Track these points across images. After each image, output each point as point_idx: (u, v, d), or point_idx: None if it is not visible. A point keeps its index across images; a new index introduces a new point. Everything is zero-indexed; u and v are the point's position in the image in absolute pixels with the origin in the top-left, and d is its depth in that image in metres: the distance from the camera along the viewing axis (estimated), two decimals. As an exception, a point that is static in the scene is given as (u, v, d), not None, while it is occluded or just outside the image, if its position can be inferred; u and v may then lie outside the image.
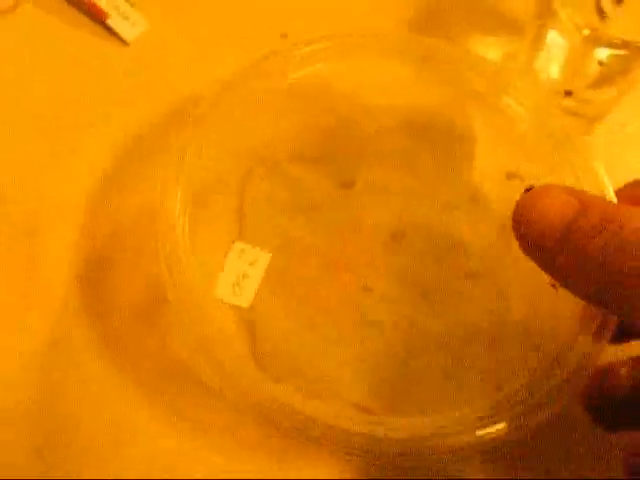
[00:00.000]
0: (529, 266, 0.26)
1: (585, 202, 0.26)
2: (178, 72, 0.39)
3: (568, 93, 0.41)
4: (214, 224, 0.34)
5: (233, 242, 0.33)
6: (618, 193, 0.31)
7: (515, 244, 0.27)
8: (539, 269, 0.26)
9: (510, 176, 0.35)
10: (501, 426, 0.27)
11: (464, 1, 0.43)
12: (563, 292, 0.26)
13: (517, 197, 0.27)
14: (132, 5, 0.40)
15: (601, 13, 0.40)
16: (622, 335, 0.29)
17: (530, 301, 0.33)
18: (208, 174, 0.31)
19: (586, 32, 0.39)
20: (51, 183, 0.36)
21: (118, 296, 0.34)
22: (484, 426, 0.27)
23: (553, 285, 0.28)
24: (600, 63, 0.40)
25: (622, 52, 0.38)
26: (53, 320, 0.33)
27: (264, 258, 0.33)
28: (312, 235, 0.35)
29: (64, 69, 0.39)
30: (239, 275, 0.32)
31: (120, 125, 0.38)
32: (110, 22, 0.40)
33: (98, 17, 0.40)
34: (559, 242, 0.26)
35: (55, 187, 0.36)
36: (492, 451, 0.27)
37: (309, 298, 0.34)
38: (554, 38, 0.39)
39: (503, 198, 0.29)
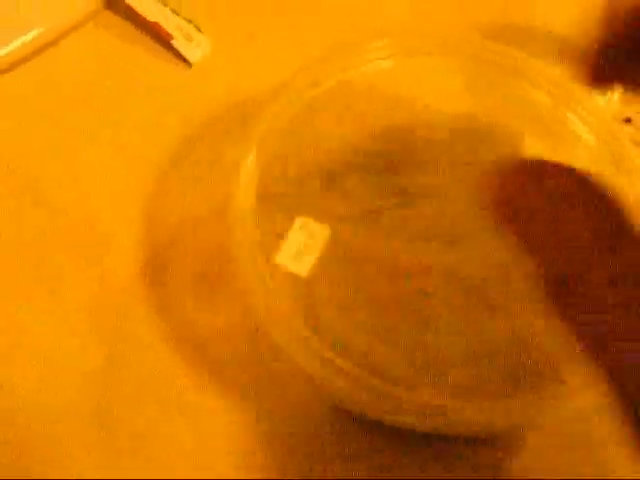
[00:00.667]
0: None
1: None
2: (242, 91, 0.40)
3: (627, 120, 0.41)
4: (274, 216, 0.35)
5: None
6: None
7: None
8: None
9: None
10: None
11: (523, 29, 0.43)
12: None
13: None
14: (198, 28, 0.41)
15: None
16: None
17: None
18: (264, 186, 0.32)
19: (648, 59, 0.39)
20: (112, 191, 0.37)
21: (181, 285, 0.34)
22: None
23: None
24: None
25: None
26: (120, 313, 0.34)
27: (325, 232, 0.33)
28: (369, 243, 0.35)
29: (127, 89, 0.40)
30: (301, 246, 0.33)
31: (181, 142, 0.38)
32: (174, 43, 0.41)
33: (162, 38, 0.41)
34: None
35: (116, 195, 0.37)
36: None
37: (367, 302, 0.34)
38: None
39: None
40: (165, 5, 0.42)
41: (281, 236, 0.32)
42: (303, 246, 0.32)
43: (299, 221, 0.32)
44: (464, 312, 0.34)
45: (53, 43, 0.41)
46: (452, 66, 0.35)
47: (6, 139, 0.38)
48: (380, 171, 0.36)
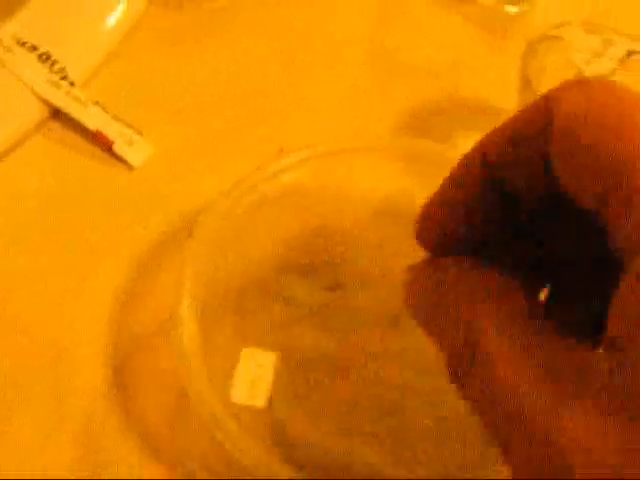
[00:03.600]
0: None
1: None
2: (184, 194, 0.41)
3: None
4: (219, 339, 0.36)
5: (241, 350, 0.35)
6: None
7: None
8: None
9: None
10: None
11: (450, 102, 0.45)
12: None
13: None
14: (139, 133, 0.43)
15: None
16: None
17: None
18: (206, 294, 0.34)
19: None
20: (71, 306, 0.38)
21: (144, 403, 0.35)
22: None
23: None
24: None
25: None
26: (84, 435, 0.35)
27: (272, 358, 0.35)
28: (313, 342, 0.36)
29: (74, 196, 0.42)
30: (252, 377, 0.34)
31: (129, 247, 0.40)
32: (116, 148, 0.42)
33: (104, 144, 0.43)
34: None
35: (75, 309, 0.38)
36: None
37: (324, 403, 0.35)
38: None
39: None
40: (106, 112, 0.44)
41: (230, 370, 0.34)
42: (254, 377, 0.34)
43: (245, 353, 0.35)
44: (421, 389, 0.35)
45: (1, 155, 0.43)
46: (373, 162, 0.37)
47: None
48: (314, 271, 0.38)
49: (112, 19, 0.47)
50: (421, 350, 0.36)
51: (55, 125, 0.44)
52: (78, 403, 0.35)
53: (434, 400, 0.35)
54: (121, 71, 0.47)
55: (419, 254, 0.37)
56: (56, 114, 0.44)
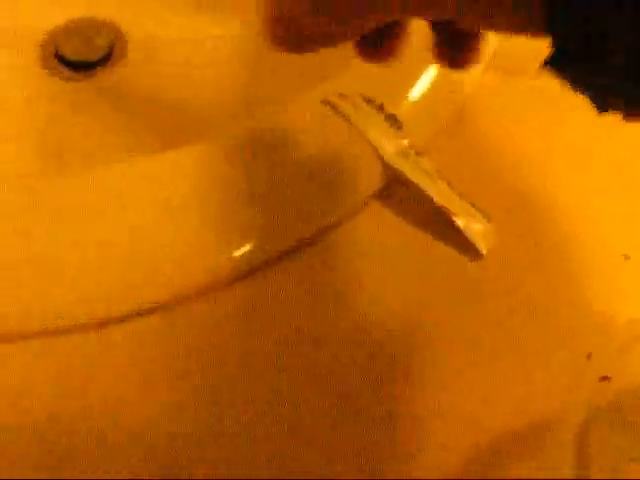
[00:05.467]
0: None
1: None
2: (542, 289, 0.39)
3: None
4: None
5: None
6: None
7: None
8: None
9: None
10: None
11: None
12: None
13: None
14: (487, 217, 0.41)
15: None
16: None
17: None
18: None
19: None
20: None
21: None
22: None
23: None
24: None
25: None
26: None
27: None
28: None
29: (416, 271, 0.40)
30: None
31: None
32: (464, 230, 0.40)
33: (450, 224, 0.41)
34: None
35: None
36: None
37: None
38: None
39: None
40: (452, 188, 0.41)
41: None
42: None
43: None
44: None
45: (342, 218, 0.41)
46: None
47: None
48: None
49: (451, 84, 0.45)
50: None
51: (395, 194, 0.42)
52: None
53: None
54: (458, 142, 0.44)
55: None
56: (395, 182, 0.42)
